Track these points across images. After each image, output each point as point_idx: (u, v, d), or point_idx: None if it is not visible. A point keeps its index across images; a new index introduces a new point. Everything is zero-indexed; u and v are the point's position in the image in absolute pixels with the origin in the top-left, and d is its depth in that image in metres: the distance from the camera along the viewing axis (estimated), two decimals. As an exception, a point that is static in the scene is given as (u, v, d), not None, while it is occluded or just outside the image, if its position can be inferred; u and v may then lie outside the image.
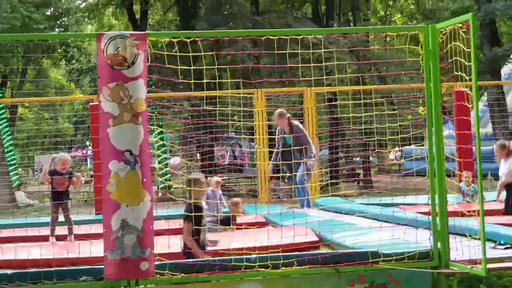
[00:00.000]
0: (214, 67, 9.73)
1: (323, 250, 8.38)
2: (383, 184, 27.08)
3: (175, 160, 34.43)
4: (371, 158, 34.73)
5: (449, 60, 7.56)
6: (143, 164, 7.02)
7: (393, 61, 24.38)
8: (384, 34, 14.20)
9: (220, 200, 13.53)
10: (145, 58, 7.10)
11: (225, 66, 12.42)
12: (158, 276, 7.11)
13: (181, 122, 28.15)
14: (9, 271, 7.08)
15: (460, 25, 7.36)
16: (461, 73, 7.26)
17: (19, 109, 44.59)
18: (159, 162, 27.97)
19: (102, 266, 7.02)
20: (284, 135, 13.25)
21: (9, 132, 29.48)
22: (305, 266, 7.35)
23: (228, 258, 7.36)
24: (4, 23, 24.01)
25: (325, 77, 9.69)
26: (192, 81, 8.57)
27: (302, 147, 12.69)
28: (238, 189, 28.23)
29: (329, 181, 20.43)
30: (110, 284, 7.07)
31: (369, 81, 29.60)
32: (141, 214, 6.98)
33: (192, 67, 8.06)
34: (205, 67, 8.85)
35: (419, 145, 26.07)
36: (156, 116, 25.52)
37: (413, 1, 40.98)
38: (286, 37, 8.27)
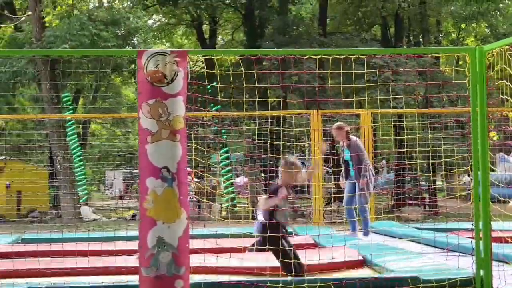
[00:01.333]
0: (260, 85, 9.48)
1: (365, 273, 8.20)
2: (450, 209, 26.59)
3: (241, 180, 34.56)
4: (438, 182, 34.15)
5: (496, 84, 7.36)
6: (180, 181, 7.00)
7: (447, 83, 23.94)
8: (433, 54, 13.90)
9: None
10: (185, 75, 7.10)
11: (286, 85, 12.30)
12: (194, 294, 7.09)
13: (245, 142, 28.29)
14: (44, 285, 7.12)
15: (507, 47, 7.16)
16: (506, 97, 7.05)
17: (92, 125, 45.42)
18: (225, 181, 28.12)
19: (137, 283, 7.01)
20: (343, 149, 13.07)
21: (79, 147, 30.06)
22: (343, 290, 7.23)
23: (264, 280, 7.29)
24: (73, 40, 24.51)
25: (378, 96, 9.36)
26: (244, 99, 8.51)
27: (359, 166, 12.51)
28: (301, 210, 28.11)
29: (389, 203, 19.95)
30: (145, 301, 7.05)
31: (437, 104, 29.21)
32: (177, 232, 6.96)
33: (243, 85, 7.99)
34: (262, 85, 8.75)
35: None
36: (220, 135, 25.73)
37: (486, 25, 40.29)
38: (349, 56, 8.15)
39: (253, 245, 10.48)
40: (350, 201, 12.72)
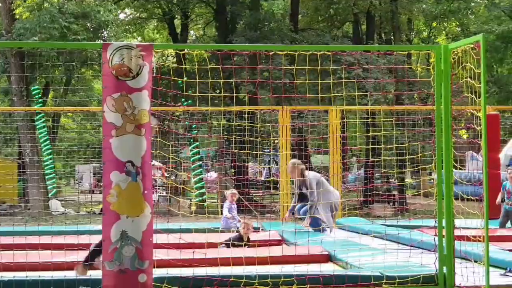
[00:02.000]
0: (224, 81, 9.46)
1: (329, 268, 8.24)
2: (417, 206, 26.77)
3: (211, 175, 34.53)
4: (407, 179, 34.35)
5: (460, 81, 7.42)
6: (144, 175, 6.99)
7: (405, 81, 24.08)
8: (399, 52, 13.98)
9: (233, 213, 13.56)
10: (150, 69, 7.08)
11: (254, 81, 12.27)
12: (156, 289, 7.08)
13: (215, 137, 28.23)
14: (6, 278, 7.07)
15: (471, 45, 7.22)
16: (471, 95, 7.11)
17: (62, 118, 45.08)
18: (195, 176, 28.06)
19: (100, 277, 6.99)
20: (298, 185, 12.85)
21: (49, 141, 29.84)
22: (306, 286, 7.25)
23: (228, 274, 7.29)
24: (43, 33, 24.29)
25: (344, 93, 9.39)
26: (209, 95, 8.51)
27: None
28: (271, 206, 28.15)
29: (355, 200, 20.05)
30: (107, 295, 7.03)
31: (408, 101, 29.39)
32: (141, 226, 6.96)
33: (196, 81, 7.98)
34: (220, 81, 8.74)
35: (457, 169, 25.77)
36: (190, 130, 25.67)
37: (457, 23, 40.55)
38: (317, 53, 8.15)
39: (228, 240, 10.56)
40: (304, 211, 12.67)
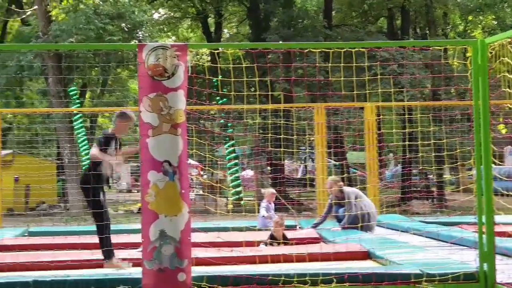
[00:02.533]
0: (261, 79, 9.44)
1: (368, 265, 8.20)
2: (458, 203, 26.56)
3: (247, 173, 34.56)
4: (446, 176, 34.07)
5: (498, 76, 7.33)
6: (181, 175, 7.02)
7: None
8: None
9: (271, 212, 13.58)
10: (185, 69, 7.10)
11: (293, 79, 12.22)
12: (196, 287, 7.09)
13: (251, 135, 28.23)
14: (48, 278, 7.14)
15: (509, 39, 7.13)
16: (508, 89, 7.03)
17: (99, 118, 45.43)
18: (231, 175, 28.10)
19: (140, 276, 7.04)
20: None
21: (87, 141, 30.07)
22: (345, 284, 7.22)
23: (266, 273, 7.29)
24: (79, 34, 24.54)
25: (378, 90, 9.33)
26: (244, 93, 8.50)
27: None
28: (308, 203, 28.12)
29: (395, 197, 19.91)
30: (147, 293, 7.07)
31: (445, 96, 29.14)
32: (179, 225, 6.99)
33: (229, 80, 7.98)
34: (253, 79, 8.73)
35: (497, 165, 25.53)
36: (226, 129, 25.70)
37: (493, 17, 40.10)
38: (352, 50, 8.11)
39: (271, 238, 10.58)
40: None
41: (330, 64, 8.50)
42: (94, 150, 8.50)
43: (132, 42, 26.55)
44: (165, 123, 6.98)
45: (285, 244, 10.62)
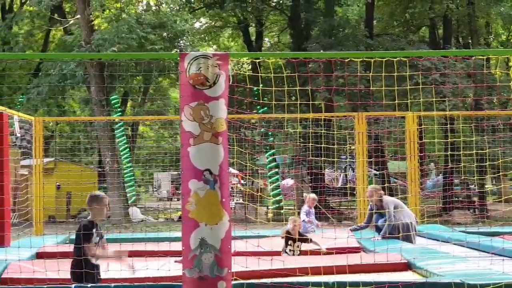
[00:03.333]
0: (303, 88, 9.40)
1: (409, 276, 8.14)
2: (500, 213, 26.24)
3: (287, 182, 34.55)
4: (487, 185, 33.72)
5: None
6: (222, 183, 7.04)
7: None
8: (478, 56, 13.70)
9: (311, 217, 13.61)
10: (227, 78, 7.14)
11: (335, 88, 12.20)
12: (235, 296, 7.12)
13: (291, 144, 28.22)
14: (88, 285, 7.21)
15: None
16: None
17: (140, 127, 45.82)
18: (271, 183, 28.12)
19: (181, 283, 7.08)
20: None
21: (128, 149, 30.34)
22: (385, 294, 7.19)
23: (306, 281, 7.29)
24: (121, 43, 24.80)
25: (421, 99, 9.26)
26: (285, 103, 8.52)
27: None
28: (349, 213, 28.02)
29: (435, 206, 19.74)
30: (188, 302, 7.10)
31: (487, 106, 28.86)
32: (220, 234, 7.00)
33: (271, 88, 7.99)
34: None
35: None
36: (266, 138, 25.76)
37: (538, 25, 39.70)
38: (393, 59, 8.08)
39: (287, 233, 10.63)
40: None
41: (371, 74, 8.48)
42: (86, 247, 7.71)
43: (173, 51, 26.76)
44: (206, 132, 7.01)
45: (302, 241, 10.84)
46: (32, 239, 12.06)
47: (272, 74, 8.30)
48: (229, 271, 7.04)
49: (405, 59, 8.52)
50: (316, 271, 7.98)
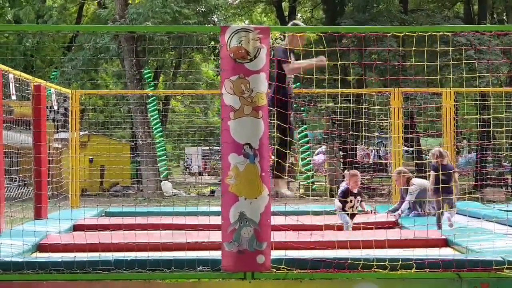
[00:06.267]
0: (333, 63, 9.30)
1: (447, 254, 8.09)
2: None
3: (319, 158, 34.51)
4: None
5: None
6: (262, 158, 7.05)
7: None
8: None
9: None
10: (267, 52, 7.12)
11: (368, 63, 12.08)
12: (275, 270, 7.13)
13: (324, 120, 28.17)
14: (129, 257, 7.27)
15: None
16: None
17: (172, 101, 45.93)
18: (303, 159, 28.13)
19: (220, 257, 7.11)
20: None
21: (160, 124, 30.46)
22: (425, 270, 7.16)
23: (345, 257, 7.27)
24: (156, 17, 24.82)
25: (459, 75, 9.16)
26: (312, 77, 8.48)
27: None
28: (380, 189, 27.92)
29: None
30: (227, 275, 7.15)
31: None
32: (259, 208, 7.03)
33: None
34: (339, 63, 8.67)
35: None
36: (300, 113, 25.69)
37: None
38: (424, 34, 7.98)
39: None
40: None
41: (405, 49, 8.41)
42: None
43: (207, 26, 26.72)
44: (246, 105, 7.01)
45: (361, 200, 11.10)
46: (69, 212, 12.17)
47: (326, 48, 8.27)
48: (268, 245, 7.07)
49: (448, 34, 8.43)
50: (355, 244, 7.94)
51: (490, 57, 25.93)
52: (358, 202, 11.18)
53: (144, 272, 7.15)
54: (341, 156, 28.75)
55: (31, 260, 7.43)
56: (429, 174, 11.00)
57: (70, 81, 30.73)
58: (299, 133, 27.52)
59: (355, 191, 11.24)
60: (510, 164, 31.06)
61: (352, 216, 11.07)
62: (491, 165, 30.83)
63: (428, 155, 11.85)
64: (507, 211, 12.18)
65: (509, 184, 29.76)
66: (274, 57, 8.79)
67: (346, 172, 12.33)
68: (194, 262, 7.20)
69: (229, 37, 7.10)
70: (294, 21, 9.21)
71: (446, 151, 11.48)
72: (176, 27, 18.75)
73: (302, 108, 25.56)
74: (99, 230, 8.78)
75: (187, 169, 44.10)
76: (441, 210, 10.40)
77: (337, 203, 11.27)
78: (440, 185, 9.70)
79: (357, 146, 31.10)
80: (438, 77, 9.99)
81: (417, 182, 12.24)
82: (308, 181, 27.35)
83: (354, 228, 10.54)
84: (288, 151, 9.02)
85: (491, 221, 9.91)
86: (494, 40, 26.47)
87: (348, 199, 11.06)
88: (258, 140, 7.04)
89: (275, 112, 8.53)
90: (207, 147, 41.25)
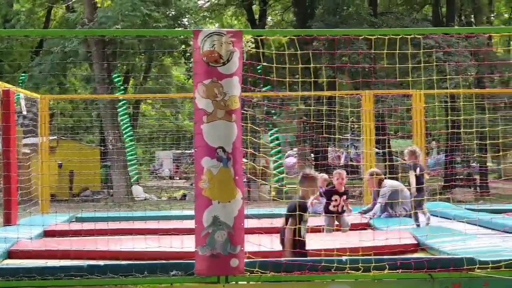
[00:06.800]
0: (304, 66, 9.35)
1: (420, 255, 8.14)
2: (502, 190, 26.29)
3: (290, 160, 34.55)
4: (489, 164, 33.72)
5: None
6: (235, 161, 7.04)
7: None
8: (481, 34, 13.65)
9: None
10: (240, 55, 7.11)
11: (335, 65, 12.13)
12: (248, 273, 7.12)
13: (295, 122, 28.17)
14: (102, 263, 7.22)
15: None
16: None
17: (142, 105, 45.75)
18: (274, 162, 28.11)
19: (193, 261, 7.08)
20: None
21: (130, 128, 30.29)
22: (398, 270, 7.20)
23: (319, 259, 7.29)
24: (125, 21, 24.68)
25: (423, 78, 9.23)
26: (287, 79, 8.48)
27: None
28: (352, 191, 27.99)
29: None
30: (200, 279, 7.12)
31: (489, 84, 28.86)
32: (233, 211, 7.01)
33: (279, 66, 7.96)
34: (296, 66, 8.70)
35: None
36: (270, 115, 25.73)
37: (539, 4, 39.55)
38: (396, 37, 8.02)
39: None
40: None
41: (375, 52, 8.45)
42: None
43: (177, 29, 26.66)
44: (219, 109, 6.99)
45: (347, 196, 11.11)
46: (39, 218, 12.07)
47: (286, 52, 8.28)
48: (242, 248, 7.06)
49: (410, 36, 8.48)
50: (329, 251, 7.96)
51: (459, 59, 26.14)
52: (343, 201, 11.18)
53: (116, 278, 7.10)
54: (313, 159, 28.81)
55: (1, 267, 7.36)
56: (402, 175, 11.07)
57: (39, 85, 30.47)
58: (270, 136, 27.53)
59: (341, 190, 11.27)
60: (478, 164, 31.31)
61: (338, 214, 11.07)
62: (460, 165, 31.09)
63: (399, 157, 11.87)
64: (476, 211, 12.31)
65: (478, 185, 30.01)
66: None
67: (334, 172, 12.30)
68: (167, 266, 7.17)
69: (202, 41, 7.08)
70: None
71: (420, 150, 11.60)
72: (148, 31, 18.69)
73: (273, 111, 25.62)
74: (70, 236, 8.70)
75: (153, 173, 43.88)
76: (417, 211, 10.48)
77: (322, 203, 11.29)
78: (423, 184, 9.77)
79: (329, 149, 31.16)
80: (409, 79, 10.08)
81: (389, 184, 12.28)
82: (280, 183, 27.35)
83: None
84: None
85: (462, 222, 10.00)
86: (462, 42, 26.70)
87: (333, 198, 11.04)
88: (231, 144, 7.02)
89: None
90: (179, 151, 41.12)
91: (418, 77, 15.86)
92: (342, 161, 39.08)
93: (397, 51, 8.38)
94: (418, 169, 11.05)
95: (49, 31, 31.85)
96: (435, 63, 14.66)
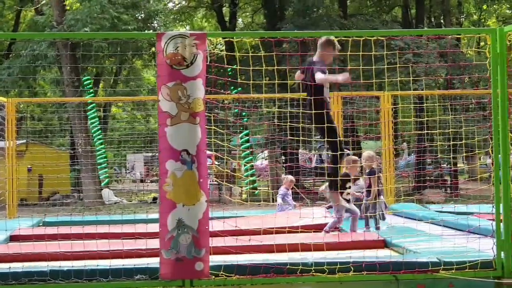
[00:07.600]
0: (261, 68, 9.35)
1: (384, 255, 8.16)
2: (472, 191, 26.44)
3: (261, 162, 34.52)
4: (459, 165, 33.99)
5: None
6: (200, 164, 7.02)
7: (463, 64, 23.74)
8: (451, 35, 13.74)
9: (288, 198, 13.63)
10: (204, 57, 7.10)
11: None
12: (213, 277, 7.10)
13: (265, 124, 28.17)
14: (65, 267, 7.15)
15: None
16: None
17: (113, 108, 45.54)
18: (245, 164, 28.07)
19: (158, 265, 7.05)
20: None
21: (100, 131, 30.08)
22: (362, 272, 7.22)
23: (284, 261, 7.29)
24: (94, 23, 24.57)
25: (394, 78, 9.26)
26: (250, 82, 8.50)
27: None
28: (321, 192, 28.06)
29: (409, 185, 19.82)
30: (165, 283, 7.09)
31: (459, 85, 29.02)
32: (197, 214, 7.00)
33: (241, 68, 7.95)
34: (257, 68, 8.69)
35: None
36: (241, 118, 25.67)
37: (508, 6, 39.86)
38: (370, 38, 8.05)
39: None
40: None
41: (345, 53, 8.49)
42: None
43: (147, 32, 26.56)
44: (183, 112, 6.98)
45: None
46: (5, 222, 11.95)
47: (250, 54, 8.26)
48: (207, 252, 7.04)
49: (381, 38, 8.53)
50: (293, 247, 8.00)
51: (428, 60, 26.30)
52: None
53: (80, 282, 7.05)
54: (283, 161, 28.84)
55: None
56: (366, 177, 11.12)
57: (7, 89, 30.21)
58: (240, 138, 27.49)
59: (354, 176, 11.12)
60: (448, 165, 31.51)
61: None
62: (430, 166, 31.27)
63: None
64: (441, 211, 12.38)
65: (448, 185, 30.21)
66: (311, 65, 9.48)
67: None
68: (132, 270, 7.13)
69: (165, 43, 7.07)
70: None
71: (375, 155, 11.68)
72: (113, 34, 18.62)
73: (243, 113, 25.56)
74: (34, 240, 8.61)
75: (129, 176, 43.74)
76: (377, 213, 10.51)
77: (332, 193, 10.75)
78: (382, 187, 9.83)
79: (299, 151, 31.23)
80: (375, 80, 10.11)
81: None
82: (250, 186, 27.32)
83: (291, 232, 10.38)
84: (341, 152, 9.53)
85: (427, 223, 10.05)
86: (431, 43, 26.86)
87: (347, 185, 10.60)
88: (195, 146, 7.01)
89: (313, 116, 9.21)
90: (150, 154, 40.96)
91: (388, 78, 15.95)
92: (314, 163, 39.19)
93: (361, 53, 8.41)
94: (374, 174, 11.08)
95: (17, 34, 31.61)
96: (402, 65, 14.66)
